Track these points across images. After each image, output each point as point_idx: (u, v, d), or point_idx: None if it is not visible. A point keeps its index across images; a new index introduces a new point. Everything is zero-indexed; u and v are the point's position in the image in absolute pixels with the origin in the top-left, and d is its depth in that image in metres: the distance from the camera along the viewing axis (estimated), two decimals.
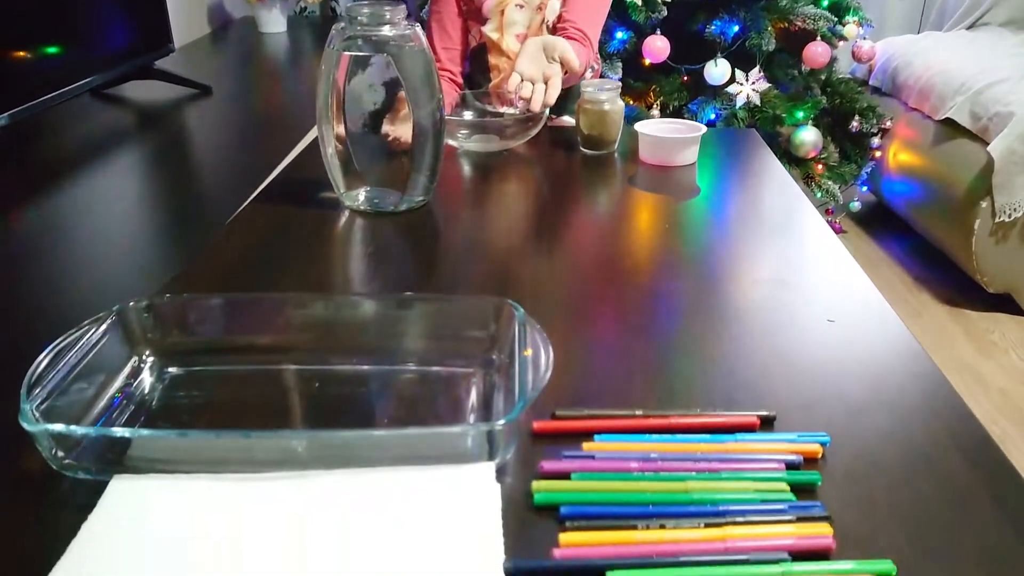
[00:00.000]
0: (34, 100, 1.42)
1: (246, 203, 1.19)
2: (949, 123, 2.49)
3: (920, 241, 2.79)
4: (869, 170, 2.75)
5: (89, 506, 0.54)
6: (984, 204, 2.29)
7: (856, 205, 2.83)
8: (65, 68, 1.62)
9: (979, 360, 2.20)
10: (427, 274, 1.00)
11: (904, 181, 2.77)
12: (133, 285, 0.97)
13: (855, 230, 3.00)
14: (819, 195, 2.57)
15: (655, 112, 2.42)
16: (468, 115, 1.47)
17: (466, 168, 1.35)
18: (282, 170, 1.36)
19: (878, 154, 2.70)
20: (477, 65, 1.61)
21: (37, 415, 0.58)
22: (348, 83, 1.06)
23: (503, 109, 1.46)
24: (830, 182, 2.61)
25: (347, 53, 1.04)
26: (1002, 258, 2.35)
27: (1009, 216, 2.27)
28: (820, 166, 2.61)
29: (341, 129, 1.08)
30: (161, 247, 1.20)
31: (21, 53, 1.52)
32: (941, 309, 2.47)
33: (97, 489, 0.56)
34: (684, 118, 2.02)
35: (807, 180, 2.58)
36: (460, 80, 1.60)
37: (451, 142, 1.37)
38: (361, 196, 1.12)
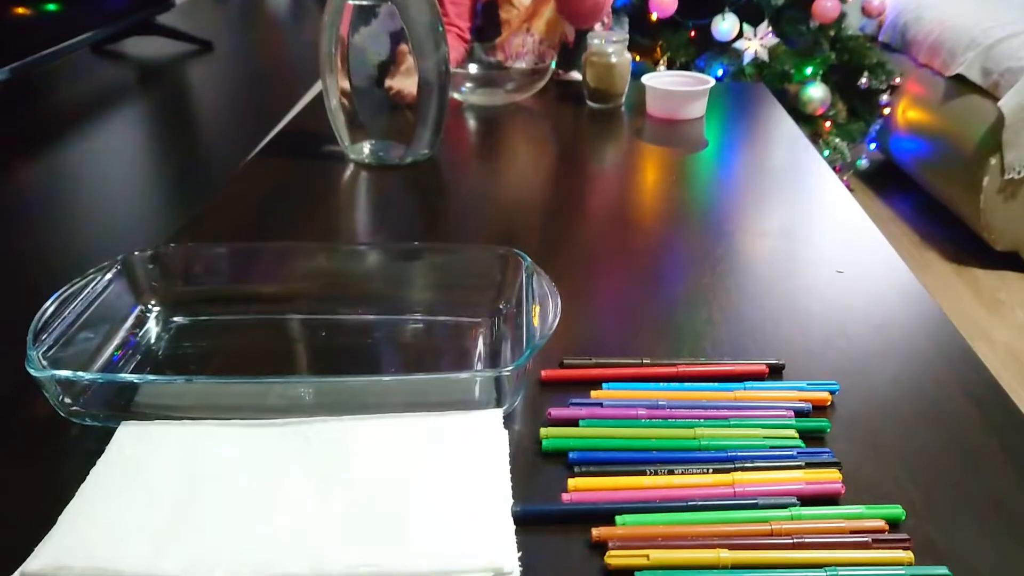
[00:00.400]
0: (35, 55, 1.41)
1: (249, 157, 1.18)
2: (959, 79, 2.46)
3: (927, 199, 2.77)
4: (877, 127, 2.72)
5: (97, 452, 0.54)
6: (993, 161, 2.27)
7: (863, 163, 2.81)
8: (65, 23, 1.61)
9: (985, 317, 2.19)
10: (433, 227, 0.99)
11: (913, 138, 2.75)
12: (138, 238, 0.96)
13: (862, 188, 2.98)
14: (827, 153, 2.54)
15: (662, 68, 2.39)
16: (474, 68, 1.45)
17: (471, 122, 1.33)
18: (286, 124, 1.35)
19: (887, 111, 2.67)
20: (488, 19, 1.59)
21: (44, 362, 0.57)
22: (352, 34, 1.05)
23: (510, 63, 1.44)
24: (838, 140, 2.59)
25: (351, 2, 1.03)
26: (1010, 215, 2.33)
27: (1019, 173, 2.24)
28: (828, 123, 2.59)
29: (345, 81, 1.06)
30: (165, 201, 1.20)
31: (21, 8, 1.50)
32: (947, 267, 2.46)
33: (105, 436, 0.56)
34: None
35: (815, 138, 2.55)
36: (468, 36, 1.58)
37: (456, 96, 1.36)
38: (366, 149, 1.11)
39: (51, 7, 1.64)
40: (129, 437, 0.55)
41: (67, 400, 0.58)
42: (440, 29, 1.06)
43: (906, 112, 2.75)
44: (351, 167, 1.11)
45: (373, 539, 0.47)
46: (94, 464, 0.53)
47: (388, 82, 1.12)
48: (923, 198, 2.80)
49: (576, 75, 1.55)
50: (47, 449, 0.58)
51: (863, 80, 2.58)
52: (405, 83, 1.09)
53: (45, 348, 0.59)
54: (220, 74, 1.82)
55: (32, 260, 0.85)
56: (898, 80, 2.63)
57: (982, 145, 2.31)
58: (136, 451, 0.54)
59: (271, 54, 2.12)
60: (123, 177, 1.19)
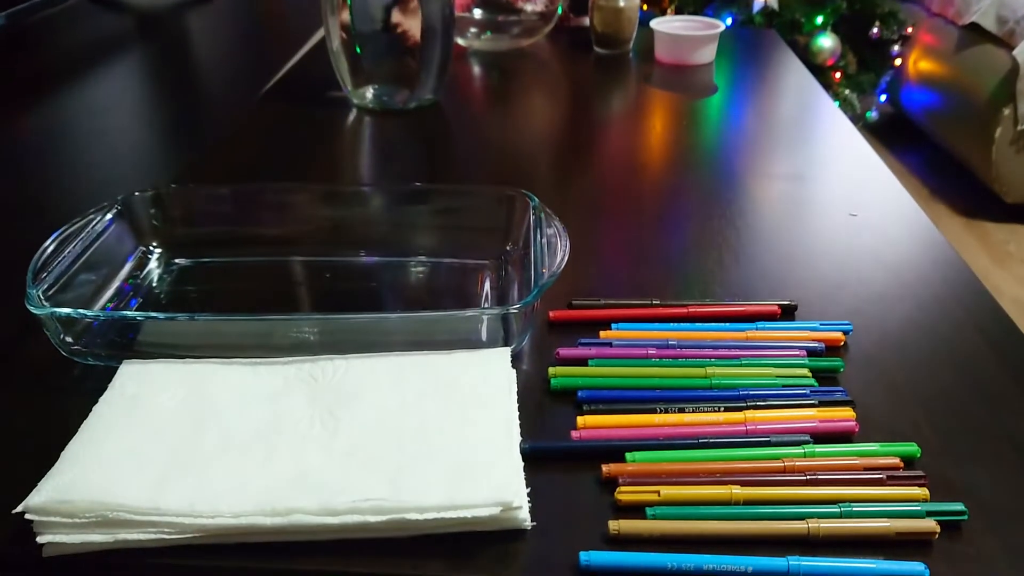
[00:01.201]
0: (31, 0, 1.38)
1: (252, 102, 1.17)
2: (973, 28, 2.42)
3: (937, 152, 2.74)
4: (888, 79, 2.68)
5: (99, 391, 0.53)
6: (1007, 112, 2.24)
7: (873, 115, 2.77)
8: None
9: (994, 270, 2.17)
10: (438, 172, 0.98)
11: (924, 90, 2.70)
12: (139, 182, 0.95)
13: (871, 140, 2.94)
14: (836, 104, 2.50)
15: (670, 14, 2.35)
16: (479, 13, 1.42)
17: (476, 68, 1.31)
18: (288, 69, 1.33)
19: (898, 62, 2.63)
20: None
21: (44, 300, 0.56)
22: None
23: (519, 5, 1.41)
24: (848, 91, 2.55)
25: None
26: (1022, 167, 2.30)
27: None
28: (838, 75, 2.55)
29: (348, 21, 1.04)
30: (166, 147, 1.18)
31: None
32: (958, 220, 2.44)
33: (107, 375, 0.55)
34: None
35: (825, 89, 2.51)
36: None
37: (461, 41, 1.33)
38: (369, 94, 1.09)
39: None
40: (131, 375, 0.54)
41: (68, 339, 0.58)
42: None
43: (917, 63, 2.70)
44: (354, 112, 1.09)
45: (380, 475, 0.46)
46: (96, 403, 0.52)
47: (396, 18, 1.08)
48: (933, 151, 2.77)
49: (587, 21, 1.52)
50: (49, 388, 0.58)
51: (874, 30, 2.54)
52: (411, 23, 1.06)
53: (45, 287, 0.58)
54: (222, 19, 1.79)
55: (32, 203, 0.84)
56: (910, 30, 2.59)
57: (995, 96, 2.27)
58: (139, 389, 0.53)
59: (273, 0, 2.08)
60: (124, 124, 1.17)
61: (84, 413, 0.52)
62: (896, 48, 2.59)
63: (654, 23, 1.30)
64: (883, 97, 2.77)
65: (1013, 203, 2.38)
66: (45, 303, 0.56)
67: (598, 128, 1.10)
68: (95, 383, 0.55)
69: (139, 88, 1.35)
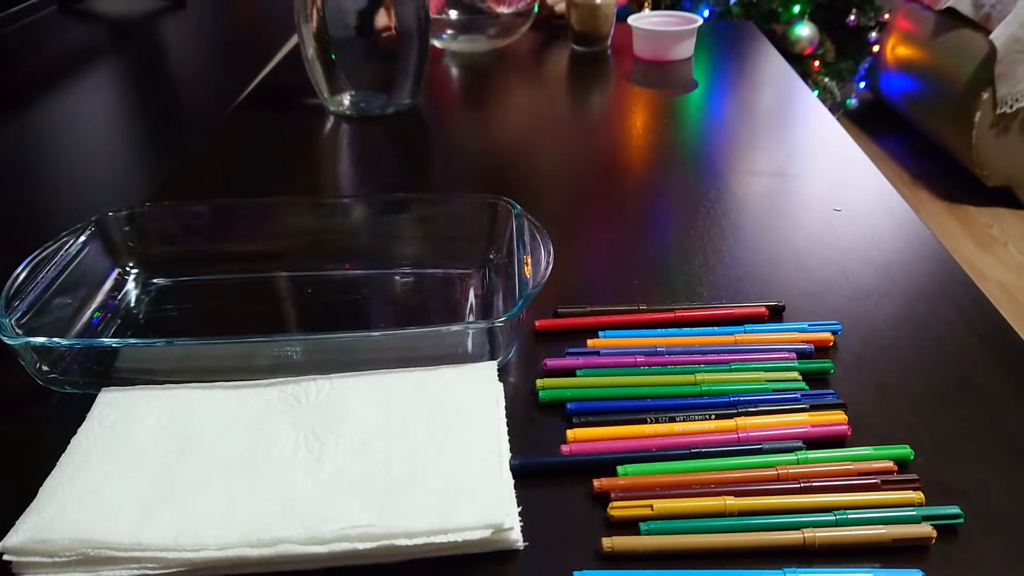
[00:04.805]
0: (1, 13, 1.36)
1: (226, 113, 1.15)
2: (950, 12, 2.42)
3: (918, 137, 2.75)
4: (867, 66, 2.68)
5: (78, 420, 0.52)
6: (985, 96, 2.24)
7: (853, 102, 2.77)
8: None
9: (978, 254, 2.18)
10: (418, 178, 0.96)
11: (903, 76, 2.71)
12: (113, 200, 0.94)
13: (852, 128, 2.95)
14: (816, 93, 2.51)
15: (647, 11, 2.34)
16: (454, 14, 1.40)
17: (454, 70, 1.30)
18: (262, 78, 1.31)
19: (876, 49, 2.63)
20: None
21: (17, 329, 0.55)
22: None
23: (499, 8, 1.39)
24: (827, 79, 2.55)
25: None
26: (1002, 151, 2.31)
27: (1011, 107, 2.22)
28: (817, 63, 2.55)
29: (321, 28, 1.03)
30: (140, 162, 1.16)
31: None
32: (940, 205, 2.44)
33: (86, 403, 0.54)
34: None
35: (804, 78, 2.51)
36: None
37: (437, 43, 1.32)
38: (346, 100, 1.08)
39: None
40: (110, 403, 0.53)
41: (44, 368, 0.56)
42: None
43: (895, 49, 2.71)
44: (331, 119, 1.08)
45: (367, 499, 0.45)
46: (75, 433, 0.51)
47: (380, 22, 1.05)
48: (913, 136, 2.77)
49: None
50: (26, 419, 0.57)
51: (851, 17, 2.54)
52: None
53: (19, 315, 0.57)
54: (194, 29, 1.77)
55: (5, 223, 0.82)
56: (887, 16, 2.59)
57: (974, 80, 2.28)
58: (118, 418, 0.52)
59: (247, 6, 2.06)
60: (96, 138, 1.15)
61: (63, 444, 0.50)
62: (874, 35, 2.59)
63: (631, 19, 1.29)
64: (862, 84, 2.78)
65: (994, 186, 2.39)
66: (19, 332, 0.55)
67: (579, 128, 1.09)
68: (74, 412, 0.54)
69: (113, 99, 1.33)
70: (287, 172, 0.94)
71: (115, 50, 1.56)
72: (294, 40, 1.09)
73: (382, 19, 1.05)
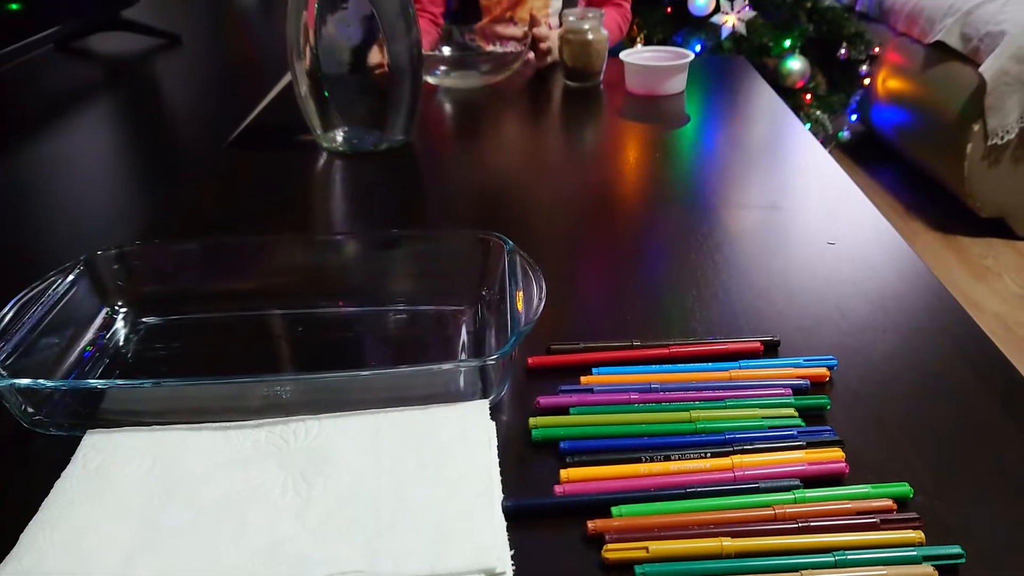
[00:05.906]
0: None
1: (220, 150, 1.15)
2: (939, 46, 2.44)
3: (910, 169, 2.76)
4: (858, 99, 2.70)
5: (62, 463, 0.51)
6: (976, 128, 2.25)
7: (845, 135, 2.79)
8: (28, 18, 1.56)
9: (973, 285, 2.18)
10: (411, 214, 0.96)
11: (894, 108, 2.73)
12: (106, 239, 0.93)
13: (844, 160, 2.96)
14: (808, 126, 2.52)
15: (639, 46, 2.36)
16: (447, 51, 1.41)
17: (447, 106, 1.30)
18: (256, 116, 1.31)
19: (867, 82, 2.65)
20: (467, 3, 1.56)
21: (2, 371, 0.54)
22: (321, 19, 1.01)
23: (489, 48, 1.40)
24: (819, 112, 2.57)
25: None
26: (994, 182, 2.32)
27: (1002, 139, 2.23)
28: (808, 96, 2.57)
29: (314, 65, 1.03)
30: (133, 201, 1.16)
31: None
32: (933, 236, 2.45)
33: (71, 445, 0.53)
34: None
35: (795, 111, 2.52)
36: (440, 21, 1.55)
37: (430, 79, 1.33)
38: (339, 137, 1.08)
39: (13, 6, 1.59)
40: (95, 446, 0.52)
41: (30, 410, 0.55)
42: (411, 12, 1.03)
43: (886, 82, 2.73)
44: (324, 156, 1.08)
45: (356, 543, 0.44)
46: (59, 476, 0.50)
47: (372, 59, 1.06)
48: (906, 168, 2.79)
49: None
50: (10, 462, 0.55)
51: (842, 51, 2.56)
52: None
53: (4, 356, 0.56)
54: (190, 68, 1.78)
55: None
56: (877, 50, 2.61)
57: (964, 112, 2.29)
58: (103, 461, 0.51)
59: (241, 45, 2.07)
60: (90, 176, 1.15)
61: (46, 488, 0.49)
62: (864, 68, 2.61)
63: (624, 55, 1.30)
64: (854, 117, 2.79)
65: (988, 217, 2.39)
66: (3, 374, 0.54)
67: (571, 163, 1.09)
68: (58, 454, 0.53)
69: (108, 137, 1.33)
70: (280, 209, 0.94)
71: (111, 88, 1.57)
72: (288, 78, 1.09)
73: (375, 56, 1.05)
